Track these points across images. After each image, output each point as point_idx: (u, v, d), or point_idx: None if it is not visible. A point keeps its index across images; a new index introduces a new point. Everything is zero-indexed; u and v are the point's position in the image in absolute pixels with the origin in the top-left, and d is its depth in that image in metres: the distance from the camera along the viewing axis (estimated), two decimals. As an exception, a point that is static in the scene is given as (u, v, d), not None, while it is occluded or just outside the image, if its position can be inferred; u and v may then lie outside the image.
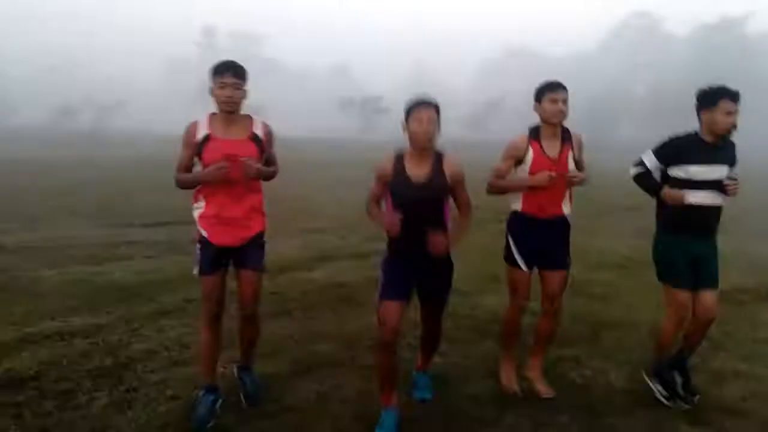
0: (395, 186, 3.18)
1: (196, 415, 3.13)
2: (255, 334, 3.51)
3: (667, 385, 3.55)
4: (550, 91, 3.40)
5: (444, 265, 3.30)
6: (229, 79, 3.04)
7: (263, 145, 3.23)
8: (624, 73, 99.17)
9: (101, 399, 3.39)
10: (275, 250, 7.67)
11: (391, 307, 3.13)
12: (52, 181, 15.97)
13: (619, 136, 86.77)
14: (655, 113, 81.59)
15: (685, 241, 3.45)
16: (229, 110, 3.09)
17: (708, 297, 3.47)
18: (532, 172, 3.42)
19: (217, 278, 3.26)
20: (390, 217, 3.09)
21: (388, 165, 3.21)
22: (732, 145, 3.50)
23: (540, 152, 3.42)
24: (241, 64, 3.14)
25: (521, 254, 3.56)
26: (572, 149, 3.48)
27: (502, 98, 77.63)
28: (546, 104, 3.40)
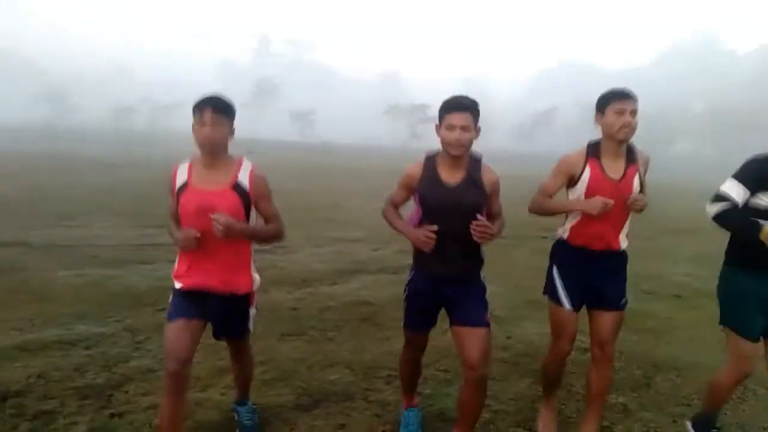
0: (425, 189, 2.78)
1: None
2: (247, 369, 3.13)
3: None
4: (616, 101, 2.79)
5: (474, 284, 2.89)
6: (208, 117, 2.56)
7: (250, 197, 2.70)
8: (682, 89, 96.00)
9: (80, 425, 3.04)
10: (300, 260, 7.36)
11: (416, 336, 3.04)
12: (98, 179, 16.18)
13: (675, 152, 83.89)
14: (714, 130, 78.60)
15: (760, 281, 2.81)
16: (209, 152, 2.63)
17: None
18: (587, 195, 2.86)
19: (186, 330, 2.60)
20: (422, 229, 2.71)
21: (417, 168, 2.84)
22: None
23: (599, 172, 2.84)
24: (223, 97, 2.67)
25: (567, 289, 2.99)
26: (638, 170, 2.89)
27: (552, 110, 76.20)
28: (610, 116, 2.80)
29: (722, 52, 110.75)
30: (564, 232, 3.03)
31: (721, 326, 2.97)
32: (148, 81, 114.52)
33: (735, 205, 2.79)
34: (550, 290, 3.08)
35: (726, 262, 2.99)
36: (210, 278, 2.66)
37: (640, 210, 2.90)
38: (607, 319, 2.97)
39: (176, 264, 2.78)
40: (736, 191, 2.79)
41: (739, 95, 76.11)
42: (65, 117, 79.13)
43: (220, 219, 2.49)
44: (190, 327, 2.60)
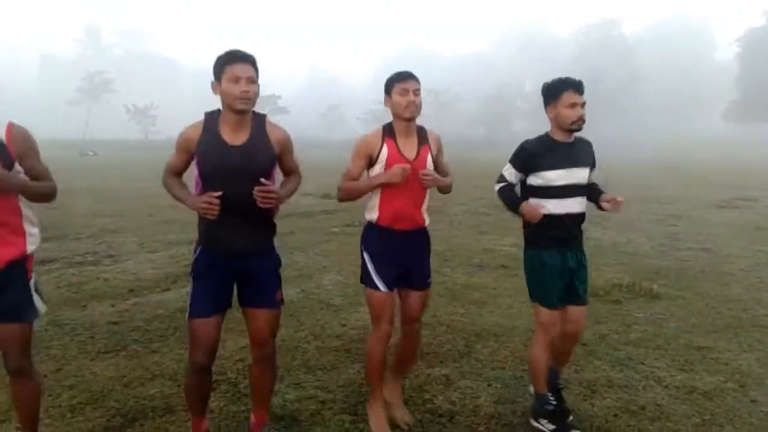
0: (205, 151, 2.60)
1: None
2: (32, 391, 2.67)
3: (554, 416, 3.14)
4: (399, 82, 2.92)
5: (271, 253, 2.84)
6: None
7: (9, 153, 2.40)
8: (514, 72, 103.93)
9: None
10: (129, 269, 6.86)
11: (204, 326, 2.66)
12: None
13: (513, 130, 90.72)
14: (543, 109, 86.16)
15: (552, 254, 3.11)
16: None
17: (575, 313, 3.16)
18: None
19: None
20: (203, 196, 2.54)
21: (195, 129, 2.65)
22: (588, 145, 3.22)
23: (395, 150, 2.96)
24: None
25: (380, 273, 3.04)
26: (430, 150, 3.05)
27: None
28: (396, 96, 2.92)
29: (545, 35, 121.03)
30: (371, 214, 3.07)
31: (531, 301, 3.25)
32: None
33: (511, 185, 3.18)
34: (364, 277, 3.11)
35: (526, 244, 3.25)
36: None
37: (436, 186, 3.06)
38: (415, 297, 3.16)
39: None
40: (509, 173, 3.19)
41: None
42: None
43: None
44: None
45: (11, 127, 2.43)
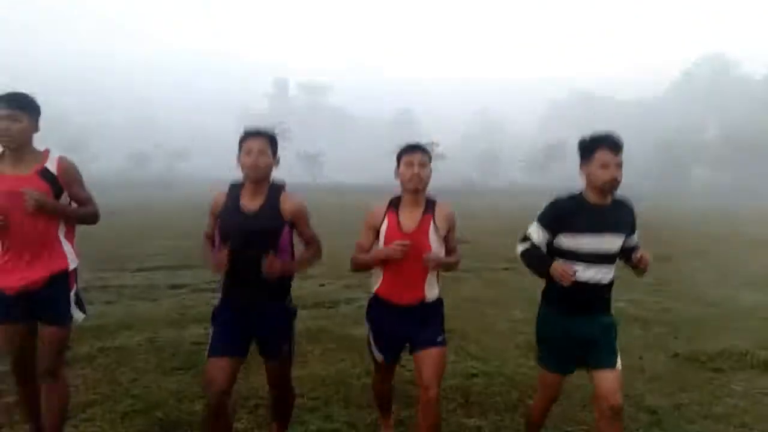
0: (224, 215, 2.95)
1: None
2: (60, 396, 3.00)
3: None
4: (405, 154, 2.98)
5: (280, 310, 3.00)
6: (2, 111, 2.74)
7: (59, 182, 2.87)
8: (695, 116, 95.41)
9: None
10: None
11: (219, 365, 2.81)
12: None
13: (692, 179, 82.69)
14: (729, 155, 77.48)
15: (568, 320, 2.88)
16: (8, 146, 2.80)
17: (604, 378, 2.76)
18: (385, 246, 2.99)
19: (8, 330, 2.88)
20: (217, 252, 2.86)
21: (221, 196, 3.02)
22: (627, 209, 2.92)
23: (395, 224, 2.98)
24: (21, 93, 2.84)
25: (378, 346, 3.13)
26: (434, 221, 2.99)
27: (564, 144, 75.62)
28: (402, 168, 2.98)
29: (735, 76, 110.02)
30: (374, 284, 3.11)
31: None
32: (167, 127, 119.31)
33: (536, 246, 2.91)
34: (367, 342, 3.22)
35: (542, 303, 3.06)
36: (17, 270, 2.81)
37: (442, 268, 3.03)
38: (424, 358, 2.90)
39: None
40: (536, 233, 2.91)
41: (753, 119, 75.42)
42: (85, 165, 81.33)
43: (33, 194, 2.69)
44: (10, 331, 2.86)
45: (61, 159, 2.94)
